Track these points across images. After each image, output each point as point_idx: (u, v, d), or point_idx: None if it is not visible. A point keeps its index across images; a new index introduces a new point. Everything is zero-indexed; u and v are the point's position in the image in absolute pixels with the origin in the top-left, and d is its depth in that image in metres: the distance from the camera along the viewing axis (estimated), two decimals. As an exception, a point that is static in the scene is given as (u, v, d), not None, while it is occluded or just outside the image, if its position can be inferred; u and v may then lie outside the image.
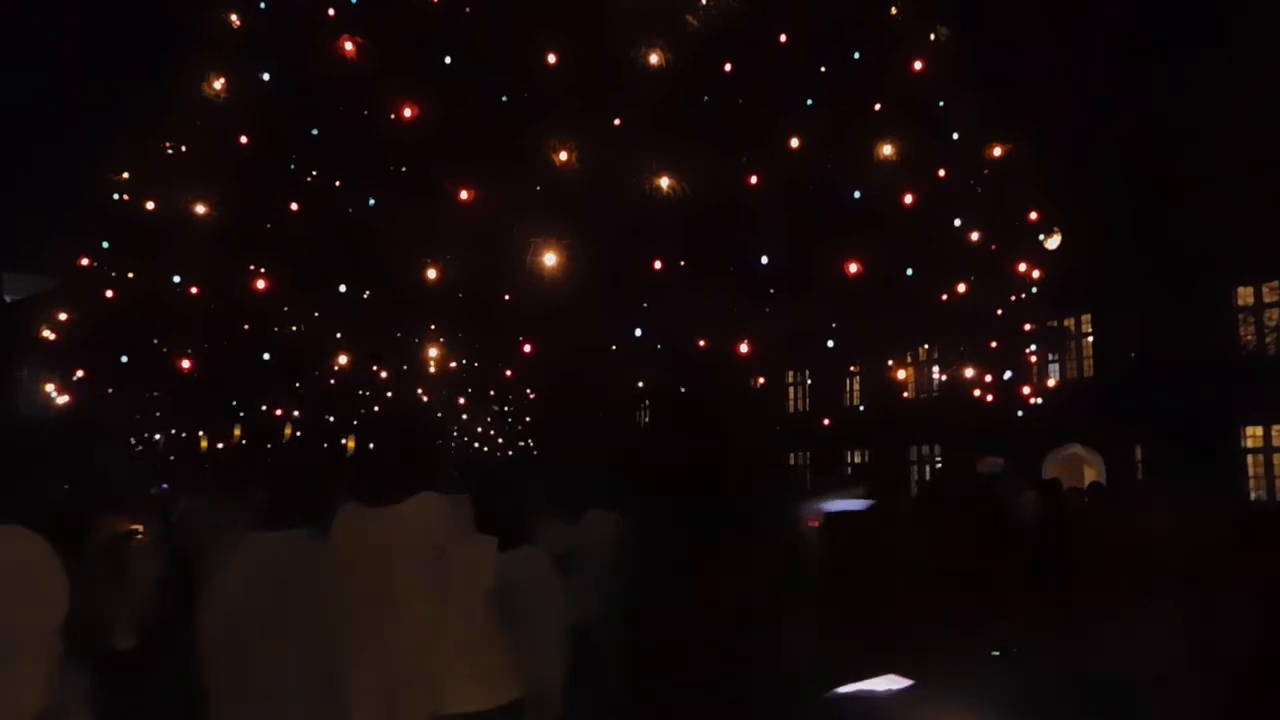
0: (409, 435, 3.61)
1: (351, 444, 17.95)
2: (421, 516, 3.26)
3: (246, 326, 12.66)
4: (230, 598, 3.58)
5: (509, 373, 13.28)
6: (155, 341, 13.93)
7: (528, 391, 15.83)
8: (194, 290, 12.43)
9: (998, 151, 13.88)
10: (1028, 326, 16.37)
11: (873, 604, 3.98)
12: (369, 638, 3.17)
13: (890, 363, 17.71)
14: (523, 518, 3.93)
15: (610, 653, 3.96)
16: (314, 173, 12.15)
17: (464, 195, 10.23)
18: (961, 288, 13.41)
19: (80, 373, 14.77)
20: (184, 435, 21.04)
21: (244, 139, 11.76)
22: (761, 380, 13.57)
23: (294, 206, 11.80)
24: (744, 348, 11.17)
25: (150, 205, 12.66)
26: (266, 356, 13.23)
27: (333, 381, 13.68)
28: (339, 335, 12.50)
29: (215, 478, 9.05)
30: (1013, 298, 15.01)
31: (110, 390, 14.83)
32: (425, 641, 3.18)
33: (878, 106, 12.19)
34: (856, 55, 12.48)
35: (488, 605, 3.33)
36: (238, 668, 3.50)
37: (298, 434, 17.13)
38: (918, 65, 12.57)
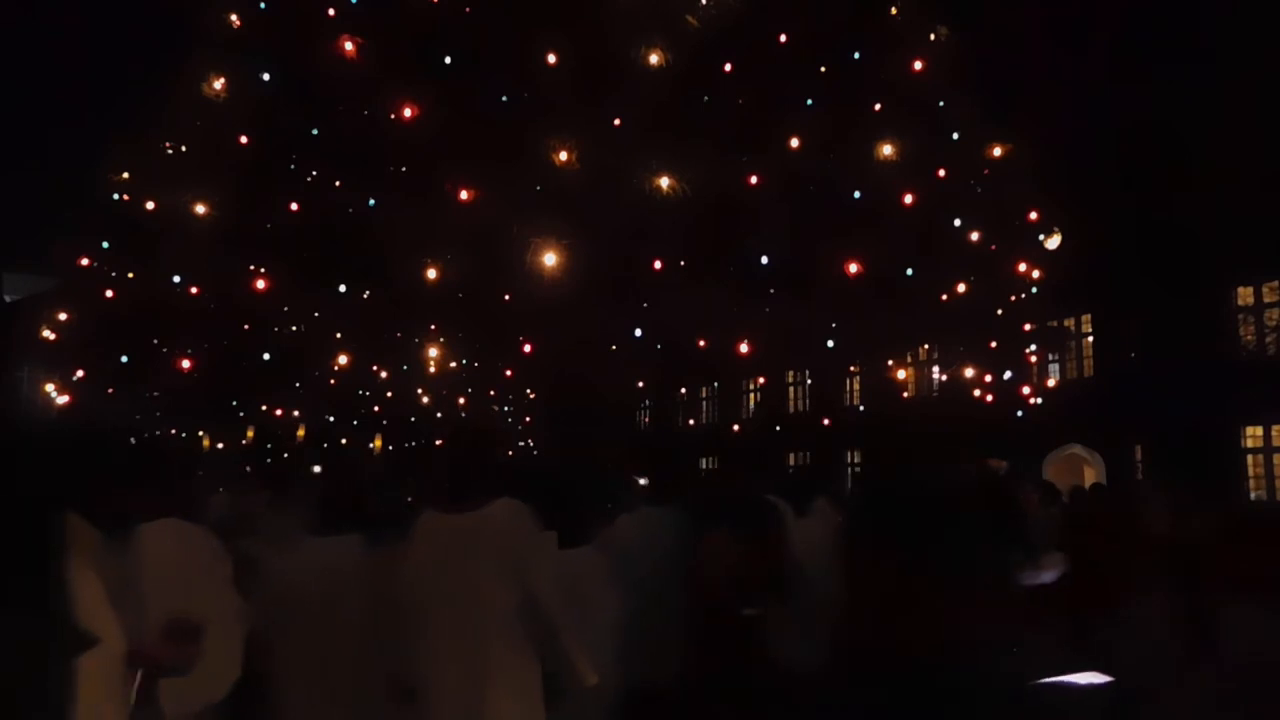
0: (487, 444, 3.69)
1: (379, 444, 17.94)
2: (504, 521, 3.35)
3: (246, 326, 12.65)
4: (285, 601, 3.63)
5: (509, 373, 13.27)
6: (155, 341, 13.91)
7: (528, 391, 15.82)
8: (194, 290, 12.41)
9: (998, 151, 13.87)
10: (1028, 326, 16.36)
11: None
12: (453, 638, 3.23)
13: (890, 363, 17.69)
14: (581, 520, 4.02)
15: (642, 644, 4.06)
16: (314, 173, 12.14)
17: (464, 195, 10.23)
18: (961, 288, 13.41)
19: (80, 373, 14.75)
20: (184, 435, 21.00)
21: (244, 139, 11.75)
22: (762, 380, 13.57)
23: (294, 206, 11.79)
24: (744, 348, 11.18)
25: (150, 205, 12.65)
26: (267, 357, 13.23)
27: (333, 382, 13.65)
28: (339, 335, 12.49)
29: (235, 479, 9.01)
30: (1013, 298, 15.00)
31: (110, 390, 14.80)
32: (505, 640, 3.26)
33: (878, 106, 12.18)
34: (856, 55, 12.47)
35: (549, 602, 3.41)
36: (297, 671, 3.56)
37: (314, 435, 17.11)
38: (917, 65, 12.56)
